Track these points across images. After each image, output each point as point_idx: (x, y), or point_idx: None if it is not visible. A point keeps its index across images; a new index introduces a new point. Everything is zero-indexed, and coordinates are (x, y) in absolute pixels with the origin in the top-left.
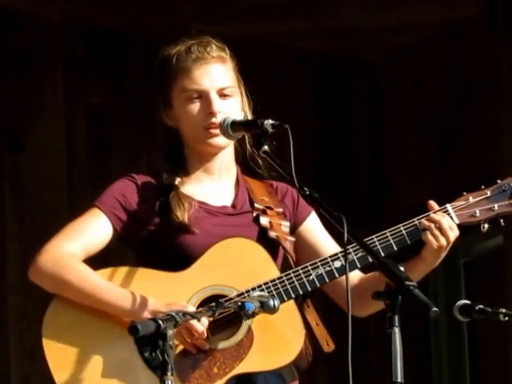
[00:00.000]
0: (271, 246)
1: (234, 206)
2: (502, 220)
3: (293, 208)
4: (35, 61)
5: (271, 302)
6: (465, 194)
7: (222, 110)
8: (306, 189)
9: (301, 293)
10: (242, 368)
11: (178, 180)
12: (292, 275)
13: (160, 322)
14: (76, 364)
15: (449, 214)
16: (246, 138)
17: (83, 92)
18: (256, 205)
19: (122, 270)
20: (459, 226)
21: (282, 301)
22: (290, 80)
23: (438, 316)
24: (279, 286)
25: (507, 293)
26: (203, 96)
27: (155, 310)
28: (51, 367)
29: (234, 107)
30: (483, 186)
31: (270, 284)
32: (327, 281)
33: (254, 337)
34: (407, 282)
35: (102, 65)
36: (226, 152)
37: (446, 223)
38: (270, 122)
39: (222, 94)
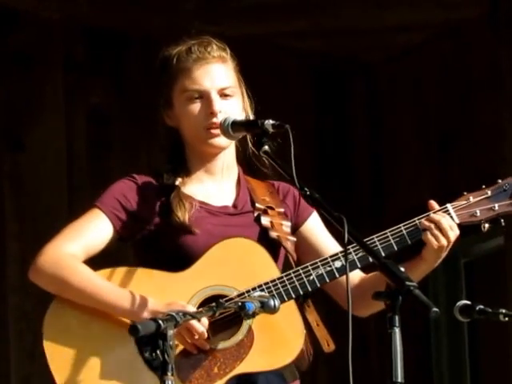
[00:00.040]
0: (272, 245)
1: (235, 205)
2: (502, 220)
3: (294, 208)
4: (35, 61)
5: (272, 302)
6: (465, 193)
7: (223, 110)
8: (306, 189)
9: (301, 293)
10: (243, 368)
11: (179, 180)
12: (292, 275)
13: (160, 322)
14: (77, 365)
15: (449, 214)
16: (248, 137)
17: (83, 92)
18: (257, 205)
19: (123, 271)
20: (460, 226)
21: (283, 301)
22: (290, 80)
23: (439, 316)
24: (279, 286)
25: (508, 293)
26: (204, 96)
27: (155, 311)
28: (52, 368)
29: (234, 107)
30: (484, 186)
31: (271, 284)
32: (327, 281)
33: (254, 337)
34: (407, 283)
35: (102, 65)
36: (227, 152)
37: (446, 223)
38: (271, 122)
39: (223, 94)
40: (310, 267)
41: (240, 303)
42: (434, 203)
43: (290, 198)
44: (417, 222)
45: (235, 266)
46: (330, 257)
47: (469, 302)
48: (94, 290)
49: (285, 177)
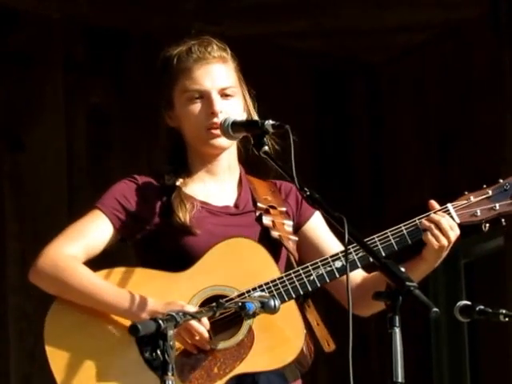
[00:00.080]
0: (273, 245)
1: (236, 205)
2: (503, 220)
3: (296, 207)
4: (35, 61)
5: (272, 302)
6: (466, 193)
7: (224, 110)
8: (306, 189)
9: (301, 293)
10: (243, 368)
11: (180, 181)
12: (293, 275)
13: (160, 322)
14: (78, 365)
15: (450, 214)
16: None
17: (83, 92)
18: (259, 204)
19: (123, 271)
20: (460, 226)
21: (283, 301)
22: (290, 80)
23: (439, 316)
24: (280, 286)
25: (508, 294)
26: (204, 96)
27: (154, 311)
28: (53, 369)
29: (235, 107)
30: (485, 186)
31: (271, 284)
32: (328, 281)
33: (254, 337)
34: (408, 283)
35: (102, 65)
36: (228, 153)
37: (446, 223)
38: (271, 122)
39: (224, 94)
40: (310, 267)
41: (240, 303)
42: (434, 203)
43: (292, 197)
44: (417, 221)
45: (236, 266)
46: (331, 257)
47: (469, 303)
48: (93, 290)
49: (285, 177)
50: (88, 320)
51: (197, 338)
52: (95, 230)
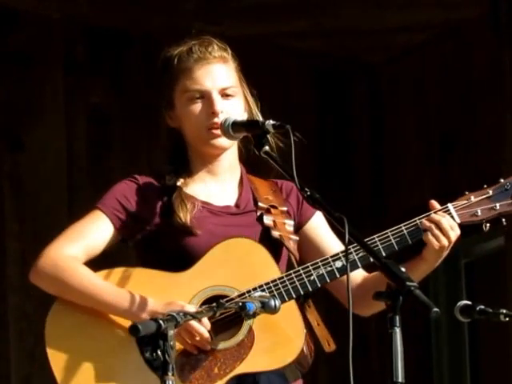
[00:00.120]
0: (274, 245)
1: (237, 205)
2: (504, 219)
3: (297, 207)
4: (35, 61)
5: (272, 302)
6: (467, 193)
7: (224, 110)
8: (307, 189)
9: (302, 293)
10: (243, 368)
11: (180, 181)
12: (293, 275)
13: (161, 322)
14: (78, 366)
15: (450, 214)
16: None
17: (83, 92)
18: (260, 204)
19: (123, 271)
20: (461, 226)
21: (283, 301)
22: (291, 80)
23: (439, 316)
24: (280, 286)
25: (508, 294)
26: (205, 96)
27: (154, 311)
28: (54, 369)
29: (236, 107)
30: (485, 185)
31: (271, 284)
32: (328, 281)
33: (255, 337)
34: (408, 283)
35: (103, 65)
36: (229, 153)
37: (446, 223)
38: (271, 122)
39: (224, 94)
40: (310, 267)
41: (241, 303)
42: (434, 203)
43: (293, 196)
44: (417, 221)
45: (236, 266)
46: (331, 257)
47: (469, 302)
48: (93, 290)
49: (285, 177)
50: (88, 320)
51: (197, 338)
52: (96, 231)
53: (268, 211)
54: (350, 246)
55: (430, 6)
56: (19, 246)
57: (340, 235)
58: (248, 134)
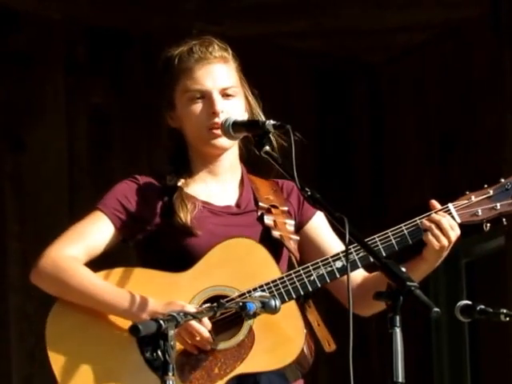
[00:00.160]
0: (275, 245)
1: (238, 205)
2: (504, 219)
3: (298, 206)
4: (36, 61)
5: (272, 302)
6: (467, 192)
7: (225, 109)
8: (307, 189)
9: (302, 293)
10: (243, 368)
11: (181, 181)
12: (293, 275)
13: (161, 322)
14: (79, 367)
15: (450, 214)
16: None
17: (84, 92)
18: (261, 204)
19: (124, 271)
20: (461, 226)
21: (283, 301)
22: (291, 80)
23: (439, 316)
24: (280, 286)
25: (508, 293)
26: (206, 96)
27: (154, 311)
28: (55, 370)
29: (237, 107)
30: (486, 185)
31: (272, 284)
32: (328, 281)
33: (255, 337)
34: (408, 283)
35: (103, 65)
36: (230, 153)
37: (446, 223)
38: (272, 122)
39: (225, 94)
40: (310, 267)
41: (241, 303)
42: (435, 203)
43: (294, 196)
44: (418, 221)
45: (236, 266)
46: (331, 257)
47: (470, 302)
48: (94, 291)
49: (286, 177)
50: (89, 321)
51: (197, 338)
52: (96, 231)
53: (269, 211)
54: (351, 246)
55: (430, 6)
56: (20, 246)
57: (340, 235)
58: (248, 134)
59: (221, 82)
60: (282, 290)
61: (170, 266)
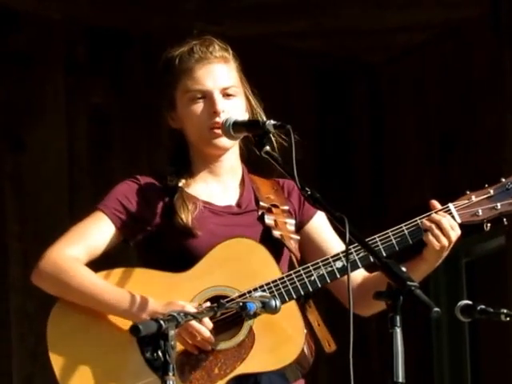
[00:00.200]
0: (275, 244)
1: (238, 205)
2: (505, 219)
3: (299, 206)
4: (36, 61)
5: (273, 302)
6: (468, 192)
7: (226, 109)
8: (307, 189)
9: (302, 293)
10: (243, 368)
11: (182, 182)
12: (293, 275)
13: (161, 322)
14: (80, 367)
15: (451, 214)
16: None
17: (84, 92)
18: (261, 203)
19: (125, 272)
20: (462, 226)
21: (284, 301)
22: (291, 80)
23: (440, 316)
24: (281, 286)
25: (509, 293)
26: (207, 96)
27: (154, 311)
28: (55, 371)
29: (237, 107)
30: (487, 185)
31: (272, 284)
32: (329, 281)
33: (255, 337)
34: (409, 282)
35: (103, 65)
36: (230, 153)
37: (447, 223)
38: (272, 122)
39: (226, 94)
40: (311, 267)
41: (241, 303)
42: (435, 203)
43: (294, 195)
44: (418, 221)
45: (237, 266)
46: (332, 257)
47: (470, 302)
48: (94, 291)
49: (286, 177)
50: (89, 321)
51: (198, 338)
52: (97, 232)
53: (269, 211)
54: (351, 246)
55: (430, 6)
56: (20, 246)
57: (341, 235)
58: (249, 134)
59: (221, 81)
60: (283, 290)
61: (171, 266)
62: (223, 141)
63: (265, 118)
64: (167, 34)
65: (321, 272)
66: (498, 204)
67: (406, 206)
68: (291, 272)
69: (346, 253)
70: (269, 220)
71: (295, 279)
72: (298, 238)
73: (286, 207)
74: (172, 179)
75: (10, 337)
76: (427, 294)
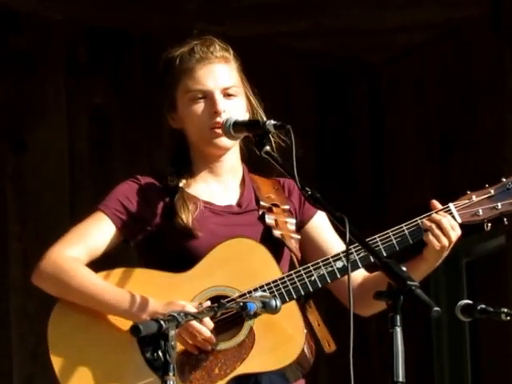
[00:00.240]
0: (276, 244)
1: (239, 204)
2: (505, 219)
3: (299, 205)
4: (36, 61)
5: (273, 302)
6: (468, 192)
7: (227, 109)
8: (307, 189)
9: (302, 293)
10: (243, 369)
11: (183, 182)
12: (294, 275)
13: (162, 322)
14: (80, 367)
15: (451, 214)
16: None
17: (85, 92)
18: (262, 203)
19: (125, 272)
20: (462, 226)
21: (284, 301)
22: (291, 80)
23: (440, 316)
24: (281, 286)
25: (509, 293)
26: (207, 96)
27: (154, 311)
28: (56, 371)
29: (238, 107)
30: (487, 185)
31: (272, 284)
32: (329, 281)
33: (255, 337)
34: (409, 282)
35: (103, 65)
36: (231, 153)
37: (447, 223)
38: (272, 122)
39: (227, 94)
40: (311, 267)
41: (241, 303)
42: (436, 203)
43: (295, 194)
44: (419, 221)
45: (237, 266)
46: (332, 257)
47: (470, 302)
48: (94, 291)
49: (286, 176)
50: (90, 321)
51: (199, 338)
52: (98, 233)
53: (270, 210)
54: (351, 246)
55: (430, 6)
56: (21, 246)
57: (341, 235)
58: (249, 134)
59: (222, 81)
60: (283, 290)
61: (171, 267)
62: (224, 140)
63: (265, 118)
64: (167, 34)
65: (321, 272)
66: (499, 204)
67: (406, 206)
68: (291, 272)
69: (347, 253)
70: (269, 219)
71: (295, 279)
72: (299, 237)
73: (287, 206)
74: (172, 179)
75: (10, 337)
76: (427, 294)
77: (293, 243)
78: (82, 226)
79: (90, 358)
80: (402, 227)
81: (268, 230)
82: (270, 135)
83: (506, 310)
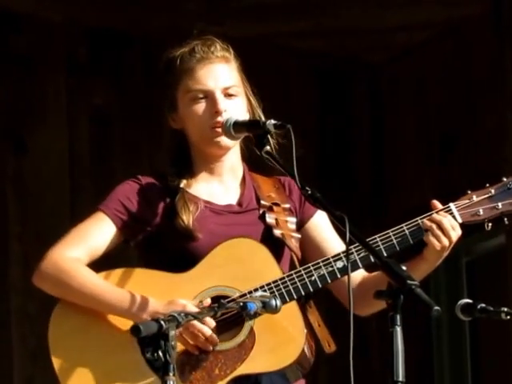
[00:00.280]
0: (276, 243)
1: (239, 203)
2: (506, 219)
3: (300, 204)
4: (37, 62)
5: (273, 302)
6: (469, 192)
7: (228, 109)
8: (307, 188)
9: (303, 293)
10: (243, 369)
11: (183, 182)
12: (294, 275)
13: (162, 322)
14: (81, 368)
15: (452, 214)
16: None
17: (85, 93)
18: (262, 202)
19: (125, 272)
20: (463, 225)
21: (284, 301)
22: (291, 80)
23: (440, 315)
24: (281, 286)
25: (509, 292)
26: (208, 96)
27: (154, 311)
28: (56, 371)
29: (238, 107)
30: (488, 185)
31: (273, 284)
32: (329, 281)
33: (256, 338)
34: (409, 281)
35: (104, 65)
36: (231, 153)
37: (447, 223)
38: (273, 122)
39: (227, 94)
40: (311, 267)
41: (242, 303)
42: (436, 203)
43: (295, 193)
44: (419, 221)
45: (237, 266)
46: (332, 257)
47: (470, 301)
48: (95, 291)
49: (286, 175)
50: (91, 322)
51: (200, 338)
52: (98, 233)
53: (270, 209)
54: (352, 246)
55: (431, 5)
56: (21, 247)
57: (341, 235)
58: (249, 133)
59: (223, 81)
60: (283, 290)
61: (172, 267)
62: (225, 140)
63: (264, 118)
64: (167, 34)
65: (321, 272)
66: (499, 203)
67: (406, 206)
68: (292, 272)
69: (347, 253)
70: (270, 219)
71: (296, 279)
72: (299, 236)
73: (288, 205)
74: (173, 179)
75: (10, 337)
76: (427, 293)
77: (293, 242)
78: (82, 227)
79: (90, 358)
80: (402, 227)
81: (268, 229)
82: (270, 135)
83: (506, 310)
